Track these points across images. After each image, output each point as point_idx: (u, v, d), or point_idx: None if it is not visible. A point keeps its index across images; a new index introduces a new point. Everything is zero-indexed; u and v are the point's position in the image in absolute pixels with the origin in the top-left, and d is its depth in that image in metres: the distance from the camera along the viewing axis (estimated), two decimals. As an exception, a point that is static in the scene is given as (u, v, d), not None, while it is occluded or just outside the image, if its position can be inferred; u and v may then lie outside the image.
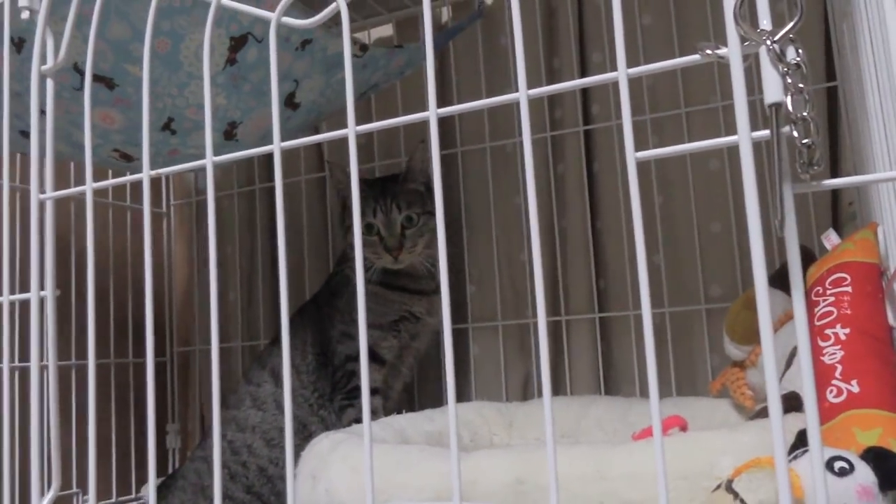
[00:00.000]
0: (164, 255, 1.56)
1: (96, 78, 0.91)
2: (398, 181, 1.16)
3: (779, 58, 0.36)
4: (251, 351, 1.46)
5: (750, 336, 0.94)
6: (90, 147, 0.57)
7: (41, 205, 0.58)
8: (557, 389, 1.23)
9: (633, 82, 1.23)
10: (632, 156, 0.40)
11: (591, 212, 1.25)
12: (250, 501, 1.11)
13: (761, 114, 0.39)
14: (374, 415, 1.13)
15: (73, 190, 0.58)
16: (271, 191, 1.50)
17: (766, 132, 0.37)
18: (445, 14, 1.38)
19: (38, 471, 0.56)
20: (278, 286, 1.53)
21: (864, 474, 0.54)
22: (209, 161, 0.52)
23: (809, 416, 0.38)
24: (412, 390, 1.31)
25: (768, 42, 0.37)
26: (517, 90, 0.43)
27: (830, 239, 0.84)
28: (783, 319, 0.94)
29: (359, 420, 1.10)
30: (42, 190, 0.58)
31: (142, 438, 1.45)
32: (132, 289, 1.44)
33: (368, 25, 1.43)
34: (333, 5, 0.50)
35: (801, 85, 0.36)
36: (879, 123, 0.69)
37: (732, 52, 0.38)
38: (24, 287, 0.61)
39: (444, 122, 1.39)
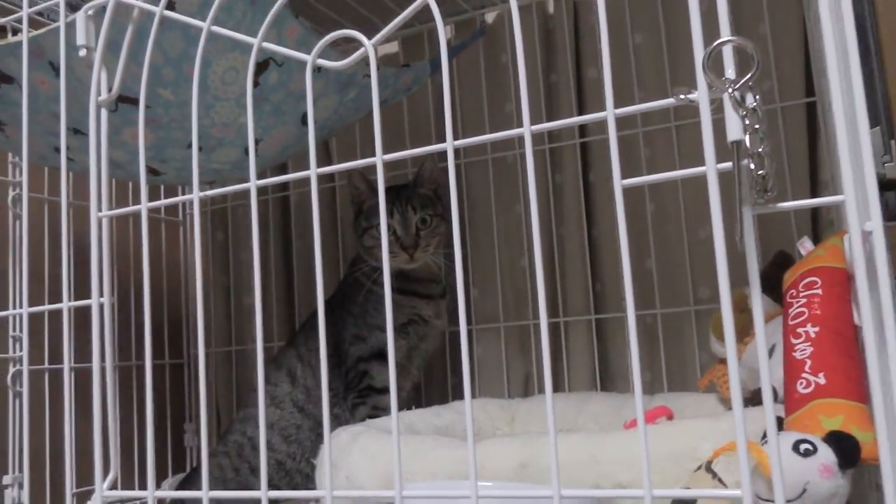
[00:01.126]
0: (180, 261, 1.64)
1: (130, 100, 0.98)
2: (410, 187, 1.24)
3: (739, 103, 0.44)
4: (266, 352, 1.54)
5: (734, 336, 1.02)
6: (144, 172, 0.65)
7: (100, 222, 0.65)
8: (556, 386, 1.31)
9: (627, 96, 1.31)
10: (618, 183, 0.47)
11: (588, 220, 1.33)
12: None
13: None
14: (385, 412, 1.21)
15: (129, 209, 0.66)
16: (284, 200, 1.58)
17: (729, 164, 0.45)
18: (449, 32, 1.46)
19: (101, 458, 0.64)
20: (291, 291, 1.61)
21: (826, 455, 0.62)
22: (253, 185, 0.60)
23: (767, 406, 0.46)
24: (420, 389, 1.38)
25: (730, 90, 0.44)
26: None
27: (805, 245, 0.91)
28: (766, 319, 1.02)
29: (371, 416, 1.17)
30: (100, 209, 0.66)
31: (161, 436, 1.53)
32: (152, 295, 1.51)
33: (377, 42, 1.50)
34: (362, 49, 0.57)
35: (756, 126, 0.44)
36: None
37: (701, 96, 0.46)
38: (54, 296, 0.69)
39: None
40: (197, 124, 0.65)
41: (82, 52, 0.69)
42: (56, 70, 0.97)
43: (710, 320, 1.03)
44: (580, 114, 1.36)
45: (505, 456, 0.73)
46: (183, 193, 1.59)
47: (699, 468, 0.66)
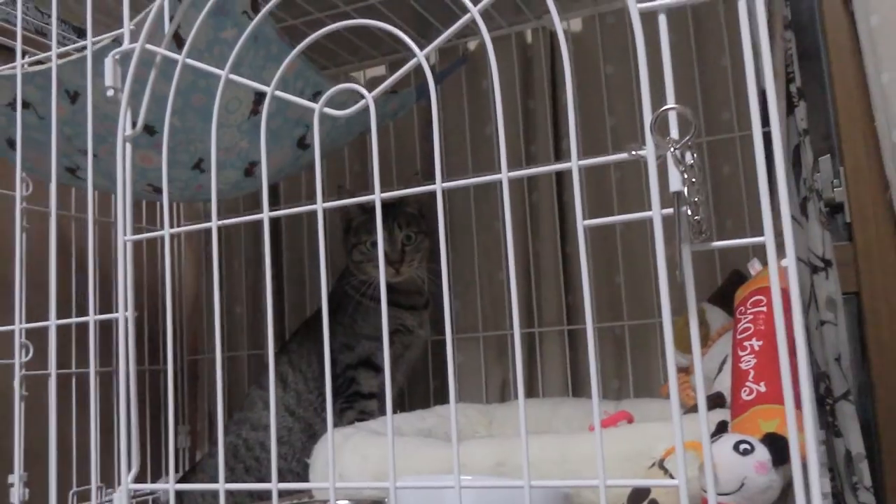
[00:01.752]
0: (174, 272, 1.71)
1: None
2: (396, 206, 1.33)
3: (679, 160, 0.53)
4: (257, 359, 1.62)
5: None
6: (167, 200, 0.73)
7: (125, 245, 0.74)
8: (531, 392, 1.40)
9: (599, 122, 1.41)
10: (581, 223, 0.57)
11: (562, 237, 1.43)
12: (263, 491, 1.26)
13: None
14: (371, 416, 1.30)
15: (153, 234, 0.74)
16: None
17: (672, 210, 0.54)
18: (433, 58, 1.55)
19: (126, 453, 0.72)
20: (281, 301, 1.69)
21: (762, 453, 0.71)
22: (265, 217, 0.68)
23: (701, 415, 0.55)
24: (404, 395, 1.47)
25: (672, 149, 0.54)
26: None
27: (755, 266, 1.01)
28: (720, 332, 1.12)
29: (358, 420, 1.26)
30: (126, 233, 0.74)
31: (155, 438, 1.60)
32: (148, 305, 1.59)
33: (364, 66, 1.59)
34: (363, 101, 0.66)
35: (693, 179, 0.53)
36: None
37: (649, 154, 0.55)
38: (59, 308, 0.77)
39: (432, 154, 1.57)
40: (206, 148, 0.73)
41: (110, 93, 0.77)
42: (71, 97, 1.05)
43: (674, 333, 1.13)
44: (555, 137, 1.46)
45: (484, 455, 0.82)
46: (177, 210, 1.67)
47: (653, 465, 0.75)
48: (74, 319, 0.79)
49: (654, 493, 0.71)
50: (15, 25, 1.46)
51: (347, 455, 0.92)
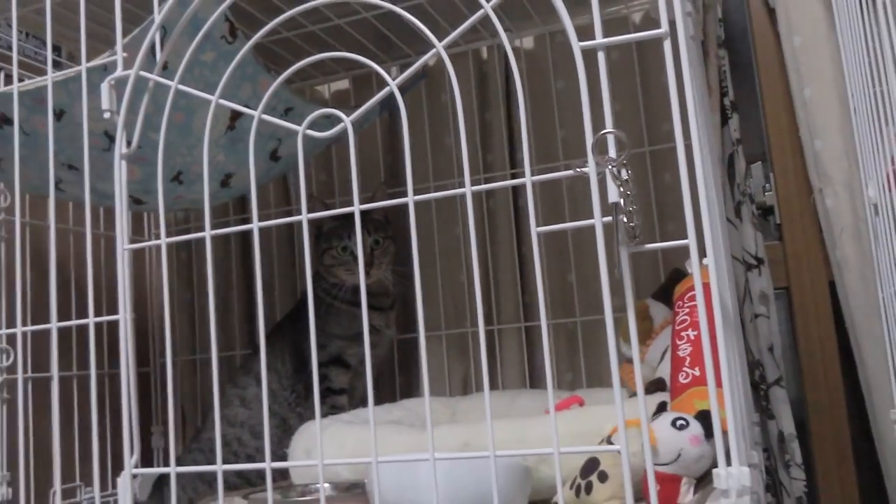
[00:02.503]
0: (146, 278, 1.77)
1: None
2: (364, 213, 1.41)
3: (615, 176, 0.63)
4: (228, 361, 1.69)
5: (638, 339, 1.22)
6: (163, 209, 0.81)
7: (123, 253, 0.81)
8: (491, 384, 1.50)
9: (550, 134, 1.51)
10: (535, 230, 0.66)
11: (518, 240, 1.53)
12: (240, 483, 1.34)
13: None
14: (342, 410, 1.38)
15: (150, 243, 0.82)
16: (245, 221, 1.73)
17: (610, 218, 0.64)
18: (395, 73, 1.64)
19: (129, 442, 0.79)
20: (251, 304, 1.76)
21: (696, 428, 0.81)
22: (255, 226, 0.76)
23: (639, 394, 0.65)
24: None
25: (610, 166, 0.63)
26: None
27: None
28: (663, 325, 1.23)
29: (330, 414, 1.34)
30: (124, 243, 0.81)
31: (120, 441, 1.65)
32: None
33: (329, 80, 1.67)
34: (342, 124, 0.75)
35: (628, 192, 0.63)
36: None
37: (591, 170, 0.64)
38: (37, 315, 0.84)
39: (395, 164, 1.65)
40: (184, 162, 0.81)
41: (106, 115, 0.85)
42: (57, 115, 1.12)
43: (619, 327, 1.23)
44: (510, 147, 1.56)
45: (451, 437, 0.92)
46: (153, 220, 1.73)
47: (601, 441, 0.85)
48: (75, 322, 0.86)
49: (602, 464, 0.81)
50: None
51: (326, 442, 1.00)
